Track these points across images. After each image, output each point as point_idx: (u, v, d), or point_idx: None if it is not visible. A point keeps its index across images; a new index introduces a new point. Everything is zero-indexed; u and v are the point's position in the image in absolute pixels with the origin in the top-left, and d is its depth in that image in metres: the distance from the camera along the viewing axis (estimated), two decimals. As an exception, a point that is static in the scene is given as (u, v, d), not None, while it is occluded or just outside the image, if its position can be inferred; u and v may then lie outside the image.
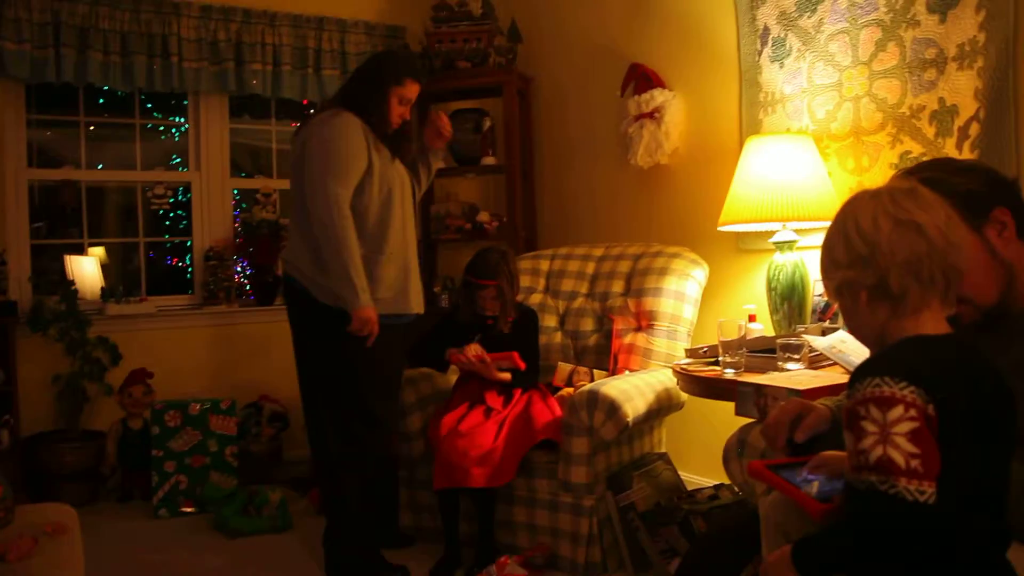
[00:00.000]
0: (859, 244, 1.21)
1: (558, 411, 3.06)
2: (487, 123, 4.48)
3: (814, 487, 1.30)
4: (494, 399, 3.16)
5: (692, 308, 3.35)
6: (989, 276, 1.49)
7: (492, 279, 3.19)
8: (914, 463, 1.07)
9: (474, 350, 3.14)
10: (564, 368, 3.37)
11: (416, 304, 3.02)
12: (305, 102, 4.73)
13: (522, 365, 3.14)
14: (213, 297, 4.43)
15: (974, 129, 2.69)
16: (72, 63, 3.95)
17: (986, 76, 2.64)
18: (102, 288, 4.30)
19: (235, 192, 4.72)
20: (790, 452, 1.54)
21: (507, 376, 3.17)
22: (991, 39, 2.63)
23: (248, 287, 4.63)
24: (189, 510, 3.75)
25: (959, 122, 2.73)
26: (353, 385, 2.89)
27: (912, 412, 1.09)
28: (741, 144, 3.10)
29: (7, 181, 4.03)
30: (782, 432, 1.52)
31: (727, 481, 2.60)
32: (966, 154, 2.70)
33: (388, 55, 3.26)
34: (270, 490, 3.60)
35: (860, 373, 1.16)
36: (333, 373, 2.90)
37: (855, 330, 1.31)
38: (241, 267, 4.67)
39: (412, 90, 2.99)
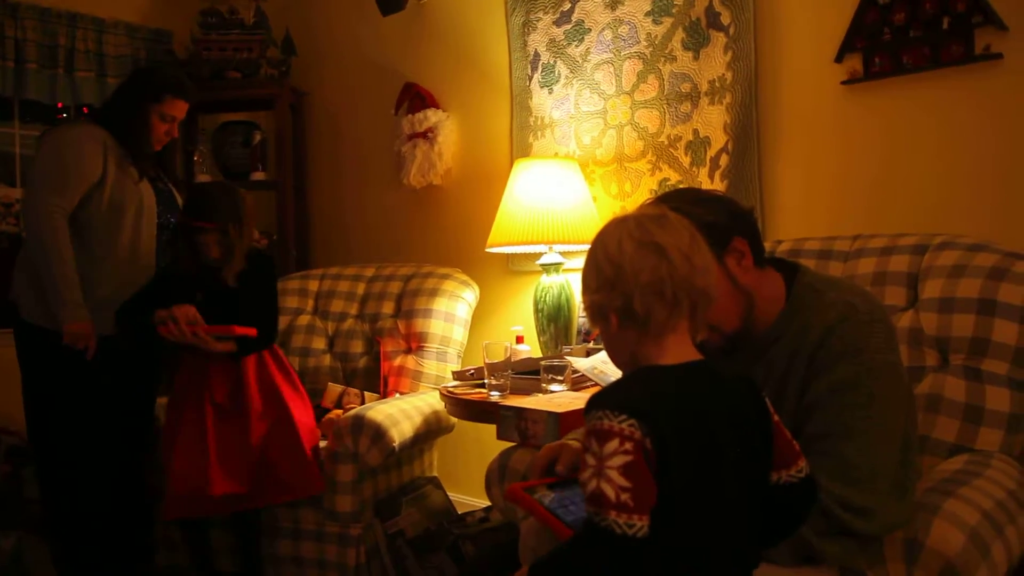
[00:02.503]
0: (606, 267, 1.21)
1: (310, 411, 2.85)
2: (257, 137, 4.30)
3: (570, 512, 1.29)
4: (220, 387, 2.71)
5: (462, 329, 3.34)
6: (731, 304, 1.53)
7: (212, 220, 2.67)
8: (624, 496, 1.06)
9: (185, 314, 2.60)
10: (334, 389, 3.25)
11: None
12: (60, 105, 4.35)
13: (252, 332, 2.67)
14: (-60, 318, 3.96)
15: (724, 160, 2.85)
16: None
17: (733, 112, 2.81)
18: None
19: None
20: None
21: (230, 347, 2.68)
22: (737, 78, 2.80)
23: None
24: None
25: (711, 152, 2.89)
26: (71, 418, 2.75)
27: (627, 446, 1.08)
28: (511, 167, 3.13)
29: None
30: (536, 474, 1.51)
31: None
32: (717, 183, 2.86)
33: (149, 71, 3.09)
34: (2, 536, 3.22)
35: (589, 405, 1.15)
36: (50, 403, 2.76)
37: (611, 354, 1.31)
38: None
39: (175, 107, 2.90)
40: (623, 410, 1.10)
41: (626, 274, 1.18)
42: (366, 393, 3.21)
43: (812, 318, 1.50)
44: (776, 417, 1.25)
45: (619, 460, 1.07)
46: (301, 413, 2.77)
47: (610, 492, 1.06)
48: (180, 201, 3.05)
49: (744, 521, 1.20)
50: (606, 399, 1.13)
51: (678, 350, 1.21)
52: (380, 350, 3.26)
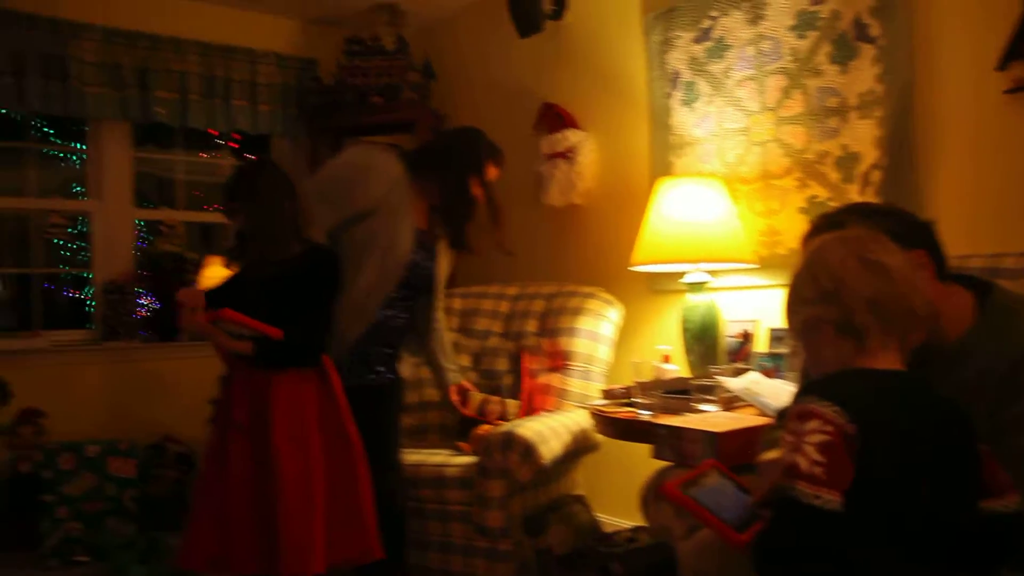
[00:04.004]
0: (825, 280, 1.25)
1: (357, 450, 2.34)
2: (400, 159, 4.43)
3: (724, 508, 1.29)
4: (240, 401, 2.27)
5: (607, 348, 3.36)
6: None
7: (228, 200, 2.33)
8: (817, 470, 1.10)
9: (190, 297, 2.21)
10: (476, 397, 3.30)
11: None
12: (215, 132, 4.63)
13: (273, 331, 2.20)
14: (113, 332, 4.23)
15: (876, 176, 2.78)
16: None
17: (885, 125, 2.74)
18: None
19: (140, 223, 4.55)
20: None
21: (245, 347, 2.24)
22: (889, 91, 2.73)
23: (149, 323, 4.44)
24: (83, 559, 3.54)
25: (861, 168, 2.83)
26: None
27: (828, 427, 1.12)
28: (652, 185, 3.14)
29: None
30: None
31: (644, 523, 2.59)
32: (869, 199, 2.79)
33: (471, 142, 2.77)
34: (171, 536, 3.43)
35: (799, 393, 1.22)
36: None
37: (816, 366, 1.33)
38: (147, 301, 4.48)
39: (493, 172, 2.78)
40: (829, 397, 1.15)
41: (848, 288, 1.23)
42: (508, 400, 3.24)
43: (1008, 338, 1.46)
44: (985, 447, 1.23)
45: (817, 438, 1.12)
46: (335, 466, 2.30)
47: (803, 463, 1.11)
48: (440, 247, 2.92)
49: (941, 540, 1.19)
50: (815, 387, 1.19)
51: (890, 364, 1.25)
52: (523, 367, 3.31)
